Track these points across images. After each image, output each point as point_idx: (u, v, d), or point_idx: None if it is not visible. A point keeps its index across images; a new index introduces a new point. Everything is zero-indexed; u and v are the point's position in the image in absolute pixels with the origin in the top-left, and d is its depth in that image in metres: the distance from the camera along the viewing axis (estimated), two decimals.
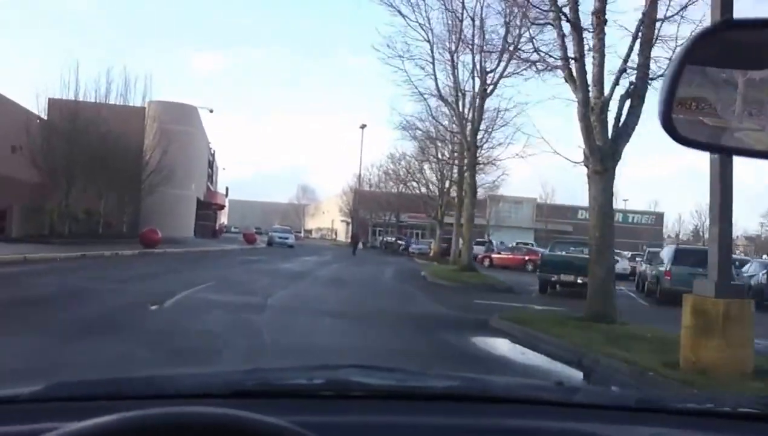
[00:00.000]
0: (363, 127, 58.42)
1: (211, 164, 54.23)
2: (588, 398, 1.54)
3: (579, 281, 19.92)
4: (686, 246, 22.37)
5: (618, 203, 64.39)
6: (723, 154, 2.08)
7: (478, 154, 24.82)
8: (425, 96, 25.92)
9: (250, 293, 13.26)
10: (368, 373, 1.55)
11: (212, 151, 54.34)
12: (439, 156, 35.03)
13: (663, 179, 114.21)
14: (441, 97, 25.15)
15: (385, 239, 58.26)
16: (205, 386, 1.34)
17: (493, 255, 36.85)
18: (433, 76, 24.58)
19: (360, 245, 47.52)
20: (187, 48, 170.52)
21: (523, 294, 19.86)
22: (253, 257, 30.09)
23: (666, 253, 22.10)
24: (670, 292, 19.65)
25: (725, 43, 0.86)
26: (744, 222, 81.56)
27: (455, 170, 33.48)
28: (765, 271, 20.74)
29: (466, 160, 25.08)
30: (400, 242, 53.81)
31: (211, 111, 43.82)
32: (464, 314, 12.43)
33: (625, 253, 35.36)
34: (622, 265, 26.01)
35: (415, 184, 41.65)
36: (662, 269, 20.69)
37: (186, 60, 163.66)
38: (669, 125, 0.87)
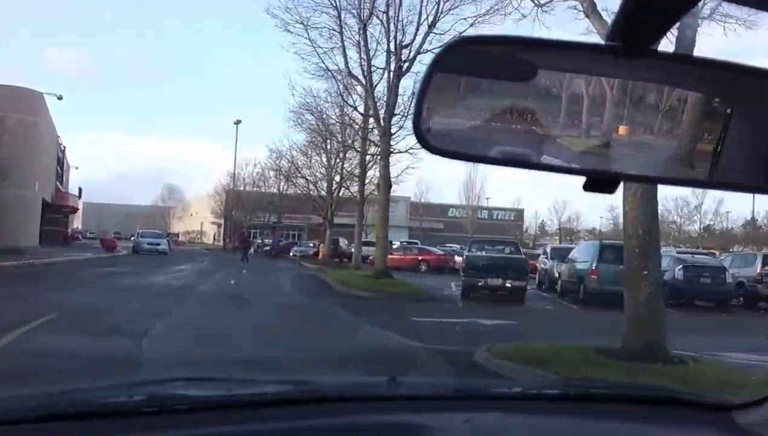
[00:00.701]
0: (237, 123, 54.04)
1: (60, 162, 46.86)
2: (414, 390, 1.61)
3: (508, 284, 17.58)
4: (611, 241, 20.65)
5: (482, 201, 65.77)
6: (473, 162, 1.06)
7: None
8: (332, 72, 22.46)
9: (113, 332, 8.88)
10: (194, 385, 1.53)
11: (62, 147, 46.98)
12: (335, 146, 31.48)
13: (523, 178, 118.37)
14: (351, 75, 21.73)
15: (264, 242, 53.85)
16: (11, 410, 1.24)
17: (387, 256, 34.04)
18: (341, 49, 21.30)
19: (252, 250, 42.60)
20: (41, 40, 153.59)
21: (448, 303, 17.13)
22: (115, 267, 24.80)
23: (587, 249, 20.18)
24: (596, 293, 17.88)
25: (471, 55, 0.89)
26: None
27: (350, 164, 30.29)
28: (680, 266, 19.34)
29: (379, 149, 21.94)
30: (279, 243, 49.21)
31: (60, 97, 36.49)
32: (426, 344, 9.05)
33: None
34: None
35: (303, 181, 37.58)
36: (585, 267, 18.73)
37: (38, 54, 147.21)
38: (419, 133, 0.88)
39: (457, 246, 41.27)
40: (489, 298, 17.66)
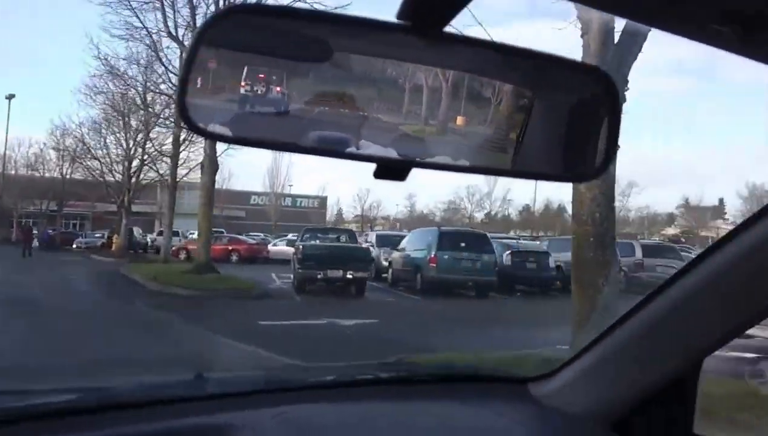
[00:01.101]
0: (10, 97, 46.10)
1: None
2: (220, 387, 1.52)
3: (350, 275, 16.23)
4: (449, 228, 20.35)
5: (286, 189, 64.59)
6: (247, 146, 0.88)
7: None
8: (148, 31, 19.15)
9: None
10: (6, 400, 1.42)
11: None
12: (139, 120, 27.26)
13: (329, 165, 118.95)
14: (171, 35, 18.41)
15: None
16: None
17: (191, 246, 30.97)
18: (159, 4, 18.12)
19: (36, 243, 35.73)
20: None
21: (285, 299, 15.33)
22: None
23: (422, 237, 19.59)
24: (435, 281, 17.44)
25: (248, 28, 0.81)
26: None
27: (156, 143, 26.70)
28: (508, 252, 19.66)
29: None
30: (48, 234, 41.93)
31: None
32: (304, 360, 7.16)
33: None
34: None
35: (95, 163, 32.40)
36: (422, 255, 18.13)
37: None
38: (184, 113, 0.79)
39: (261, 235, 39.20)
40: (326, 291, 16.18)
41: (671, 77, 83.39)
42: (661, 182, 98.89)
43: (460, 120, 0.92)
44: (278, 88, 0.82)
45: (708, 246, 1.39)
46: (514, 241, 23.38)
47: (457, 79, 0.91)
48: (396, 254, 19.93)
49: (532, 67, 0.90)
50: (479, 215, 67.05)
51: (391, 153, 0.86)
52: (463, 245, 18.19)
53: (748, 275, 1.22)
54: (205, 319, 10.92)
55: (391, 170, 0.85)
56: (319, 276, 16.15)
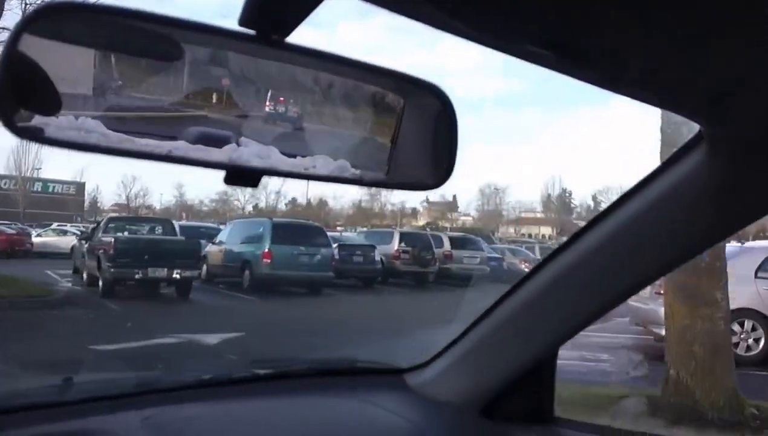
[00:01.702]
0: None
1: None
2: (88, 391, 1.47)
3: (176, 275, 13.51)
4: (283, 220, 18.34)
5: (34, 172, 56.70)
6: (82, 151, 0.77)
7: None
8: None
9: None
10: None
11: None
12: None
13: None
14: None
15: None
16: None
17: None
18: None
19: None
20: None
21: (93, 310, 12.09)
22: None
23: (249, 229, 17.38)
24: (268, 279, 15.49)
25: (79, 22, 0.76)
26: None
27: None
28: (335, 245, 18.44)
29: None
30: None
31: None
32: None
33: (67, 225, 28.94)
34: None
35: None
36: (252, 249, 16.03)
37: None
38: (4, 113, 0.70)
39: (16, 224, 33.09)
40: (141, 294, 13.33)
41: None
42: None
43: (317, 126, 0.94)
44: (119, 89, 0.78)
45: (568, 238, 1.43)
46: (338, 234, 22.20)
47: (315, 86, 0.93)
48: (214, 248, 17.31)
49: (375, 79, 0.94)
50: (249, 208, 65.37)
51: (243, 159, 0.84)
52: (298, 238, 16.38)
53: (595, 272, 1.34)
54: (8, 344, 7.71)
55: (241, 177, 0.85)
56: (137, 276, 13.11)
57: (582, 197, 78.61)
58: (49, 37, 0.72)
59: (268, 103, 0.89)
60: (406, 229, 28.83)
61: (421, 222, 59.03)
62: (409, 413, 1.56)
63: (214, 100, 0.84)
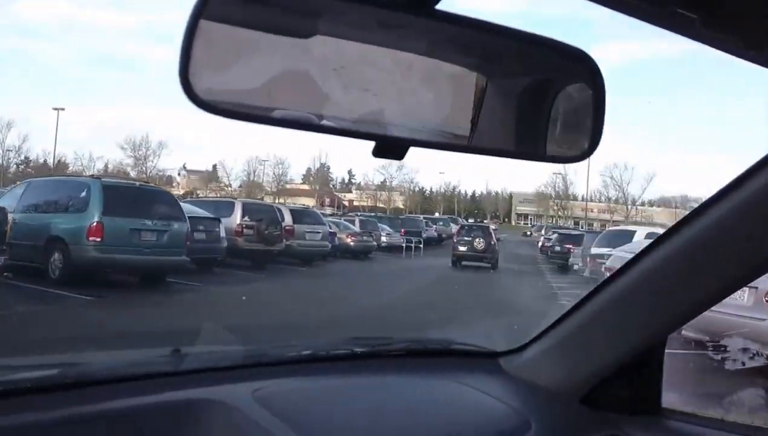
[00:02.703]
0: None
1: None
2: (197, 362, 1.50)
3: None
4: (113, 180, 13.11)
5: None
6: (251, 122, 0.84)
7: None
8: None
9: None
10: None
11: None
12: None
13: None
14: None
15: None
16: None
17: None
18: None
19: None
20: None
21: None
22: None
23: (63, 190, 12.09)
24: (92, 266, 10.72)
25: (242, 3, 0.80)
26: None
27: None
28: None
29: None
30: None
31: None
32: None
33: None
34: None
35: None
36: (70, 221, 11.10)
37: None
38: (188, 88, 0.77)
39: None
40: None
41: None
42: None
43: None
44: (279, 64, 0.81)
45: (672, 225, 1.39)
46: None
47: (452, 56, 0.91)
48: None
49: (524, 48, 0.91)
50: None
51: (389, 131, 0.84)
52: (140, 207, 11.64)
53: (706, 258, 1.28)
54: None
55: (390, 149, 0.84)
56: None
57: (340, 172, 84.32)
58: (218, 19, 0.76)
59: (414, 75, 0.87)
60: (248, 199, 24.25)
61: (180, 192, 54.45)
62: (506, 396, 1.52)
63: (363, 72, 0.84)
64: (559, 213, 70.30)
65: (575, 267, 21.26)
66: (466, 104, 0.92)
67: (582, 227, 47.69)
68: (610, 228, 24.08)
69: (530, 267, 25.51)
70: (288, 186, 72.53)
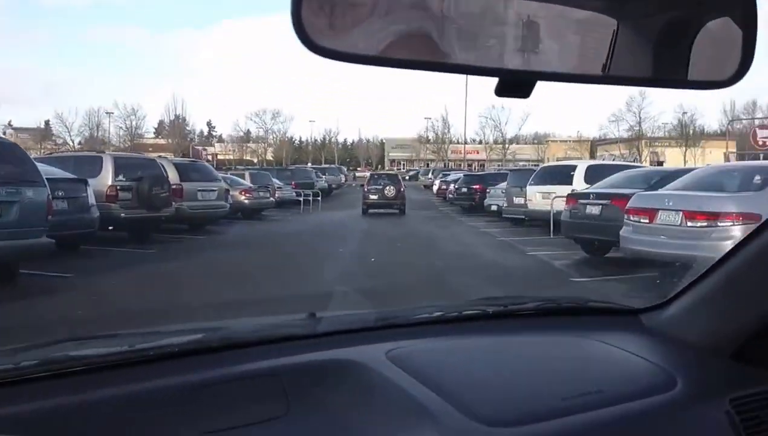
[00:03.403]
0: None
1: None
2: (333, 325, 1.54)
3: None
4: None
5: None
6: (370, 65, 0.81)
7: None
8: None
9: None
10: (88, 344, 1.44)
11: None
12: None
13: None
14: None
15: None
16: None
17: None
18: None
19: None
20: None
21: None
22: None
23: None
24: None
25: None
26: None
27: None
28: None
29: None
30: None
31: None
32: None
33: None
34: None
35: None
36: None
37: None
38: (301, 31, 0.77)
39: None
40: None
41: None
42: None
43: (592, 28, 0.88)
44: (395, 5, 0.79)
45: None
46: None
47: None
48: None
49: None
50: None
51: (514, 66, 0.81)
52: None
53: None
54: None
55: (516, 86, 0.81)
56: None
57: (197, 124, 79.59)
58: None
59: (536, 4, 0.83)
60: (121, 153, 19.36)
61: None
62: (650, 354, 1.43)
63: (483, 7, 0.82)
64: (433, 157, 69.84)
65: (493, 208, 19.66)
66: (603, 31, 0.87)
67: (462, 169, 47.21)
68: (545, 165, 22.35)
69: (436, 212, 25.41)
70: (142, 141, 66.29)
